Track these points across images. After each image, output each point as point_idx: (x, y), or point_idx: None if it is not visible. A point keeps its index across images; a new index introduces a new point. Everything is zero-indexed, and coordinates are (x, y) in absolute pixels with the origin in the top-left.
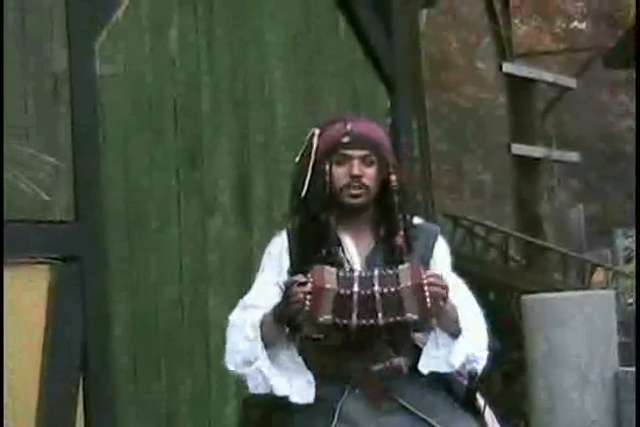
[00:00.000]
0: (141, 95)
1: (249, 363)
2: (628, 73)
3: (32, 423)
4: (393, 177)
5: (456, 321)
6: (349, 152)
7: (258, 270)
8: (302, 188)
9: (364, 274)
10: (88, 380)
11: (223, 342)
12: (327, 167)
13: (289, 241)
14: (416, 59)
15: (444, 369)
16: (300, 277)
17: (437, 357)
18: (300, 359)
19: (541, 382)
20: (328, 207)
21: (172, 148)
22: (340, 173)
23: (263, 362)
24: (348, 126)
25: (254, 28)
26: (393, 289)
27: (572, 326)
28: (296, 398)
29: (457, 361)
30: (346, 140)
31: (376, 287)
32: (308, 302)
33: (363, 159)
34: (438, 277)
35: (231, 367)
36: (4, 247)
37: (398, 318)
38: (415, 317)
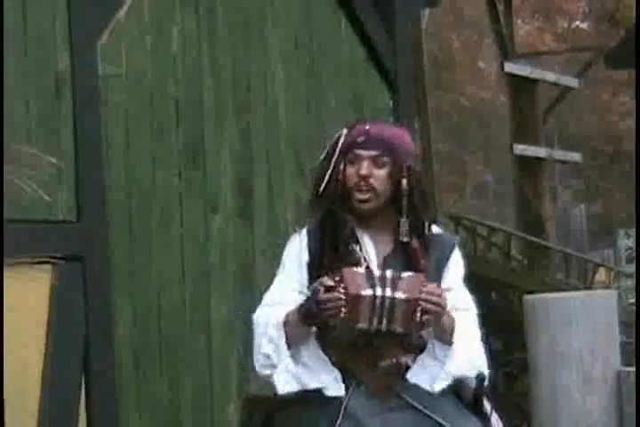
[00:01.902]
0: (143, 94)
1: (273, 365)
2: (629, 73)
3: (34, 423)
4: (404, 181)
5: (452, 334)
6: (361, 152)
7: (261, 268)
8: (320, 185)
9: (380, 275)
10: (90, 380)
11: (225, 341)
12: (341, 166)
13: (308, 238)
14: (418, 58)
15: (441, 383)
16: (327, 281)
17: (428, 367)
18: (324, 356)
19: (544, 381)
20: (341, 205)
21: (174, 147)
22: (350, 173)
23: (290, 362)
24: (367, 127)
25: (256, 28)
26: (392, 298)
27: (574, 325)
28: (328, 391)
29: (442, 384)
30: (361, 139)
31: (388, 293)
32: (344, 309)
33: (373, 160)
34: (436, 293)
35: (257, 368)
36: (6, 247)
37: (388, 327)
38: (400, 330)
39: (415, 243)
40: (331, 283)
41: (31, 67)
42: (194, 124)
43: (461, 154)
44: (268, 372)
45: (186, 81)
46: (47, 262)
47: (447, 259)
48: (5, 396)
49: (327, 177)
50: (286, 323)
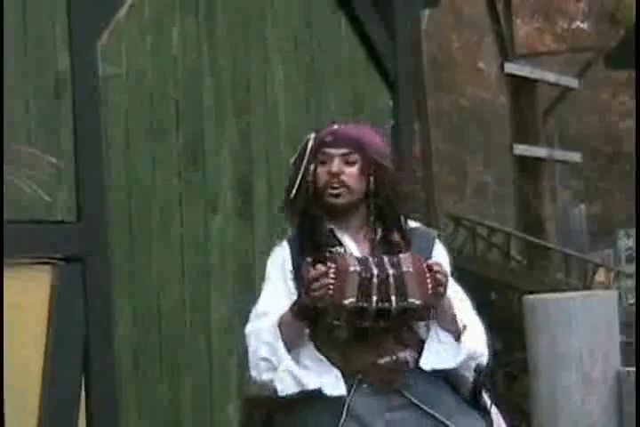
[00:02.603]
0: (143, 95)
1: (274, 367)
2: (629, 73)
3: (34, 423)
4: (371, 178)
5: (453, 319)
6: (331, 150)
7: (261, 270)
8: (292, 188)
9: (376, 259)
10: (90, 380)
11: (225, 341)
12: (312, 167)
13: (290, 247)
14: (418, 59)
15: (446, 365)
16: (320, 267)
17: (439, 352)
18: (322, 357)
19: (543, 382)
20: (314, 205)
21: (174, 147)
22: (322, 172)
23: (290, 362)
24: (334, 127)
25: (256, 29)
26: (399, 273)
27: (574, 326)
28: (329, 390)
29: (460, 357)
30: (329, 139)
31: (390, 271)
32: (332, 287)
33: (343, 158)
34: (439, 264)
35: (255, 375)
36: (6, 248)
37: (404, 303)
38: (418, 302)
39: (396, 237)
40: (323, 268)
41: (31, 67)
42: (194, 124)
43: (461, 154)
44: (269, 376)
45: (186, 81)
46: (47, 263)
47: (430, 251)
48: (6, 396)
49: (299, 179)
50: (280, 325)
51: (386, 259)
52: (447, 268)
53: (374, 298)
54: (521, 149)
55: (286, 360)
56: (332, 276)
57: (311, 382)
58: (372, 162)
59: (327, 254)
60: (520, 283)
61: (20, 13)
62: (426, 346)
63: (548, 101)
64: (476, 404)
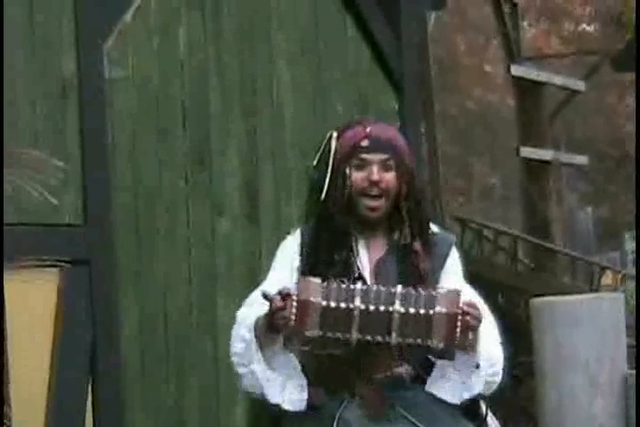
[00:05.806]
0: (150, 97)
1: (243, 365)
2: (635, 75)
3: (42, 424)
4: (404, 183)
5: (475, 347)
6: (369, 156)
7: (268, 270)
8: (321, 191)
9: (383, 289)
10: (97, 382)
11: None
12: (347, 171)
13: (302, 240)
14: (424, 61)
15: (463, 397)
16: (285, 289)
17: (450, 379)
18: (296, 363)
19: (550, 384)
20: (346, 211)
21: (181, 149)
22: (358, 178)
23: (258, 365)
24: (368, 129)
25: (262, 31)
26: (424, 311)
27: (580, 328)
28: (287, 406)
29: (477, 390)
30: (365, 143)
31: (396, 306)
32: (293, 317)
33: (382, 164)
34: (475, 306)
35: (234, 364)
36: (12, 250)
37: (419, 341)
38: (441, 345)
39: (417, 245)
40: (286, 292)
41: (37, 69)
42: (200, 126)
43: (467, 157)
44: (240, 371)
45: (192, 83)
46: (54, 266)
47: (445, 257)
48: (12, 397)
49: (328, 183)
50: (257, 327)
51: (399, 290)
52: (460, 275)
53: (354, 330)
54: (527, 152)
55: (255, 362)
56: (294, 305)
57: (271, 395)
58: (405, 166)
59: (297, 279)
60: (527, 286)
61: (26, 15)
62: (437, 370)
63: (554, 104)
64: (473, 413)
